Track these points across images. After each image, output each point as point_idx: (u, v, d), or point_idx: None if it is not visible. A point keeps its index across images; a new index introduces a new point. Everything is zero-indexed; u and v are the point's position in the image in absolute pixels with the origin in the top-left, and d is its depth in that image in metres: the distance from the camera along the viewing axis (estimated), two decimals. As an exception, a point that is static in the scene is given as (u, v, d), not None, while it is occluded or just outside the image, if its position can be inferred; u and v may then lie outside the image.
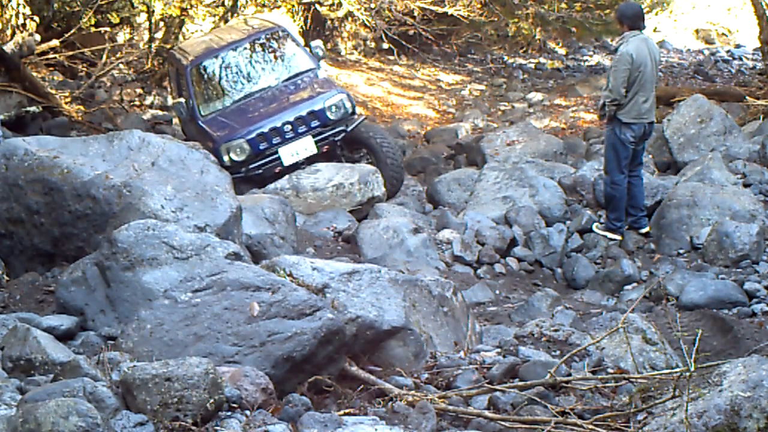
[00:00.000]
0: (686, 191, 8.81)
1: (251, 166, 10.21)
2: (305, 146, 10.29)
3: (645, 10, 9.34)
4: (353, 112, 10.69)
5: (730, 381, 3.78)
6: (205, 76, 11.49)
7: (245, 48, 11.63)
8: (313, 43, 11.71)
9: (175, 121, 14.36)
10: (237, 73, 11.51)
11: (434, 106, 18.08)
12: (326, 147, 10.35)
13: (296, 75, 11.32)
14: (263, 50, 11.65)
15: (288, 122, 10.34)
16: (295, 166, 10.20)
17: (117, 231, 5.13)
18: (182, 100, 11.23)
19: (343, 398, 4.22)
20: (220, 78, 11.51)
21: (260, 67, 11.53)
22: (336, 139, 10.41)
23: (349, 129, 10.52)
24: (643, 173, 8.96)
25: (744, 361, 3.93)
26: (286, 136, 10.29)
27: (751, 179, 9.50)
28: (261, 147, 10.26)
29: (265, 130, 10.30)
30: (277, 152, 10.25)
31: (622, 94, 8.36)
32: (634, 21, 8.51)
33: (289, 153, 10.25)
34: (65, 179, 5.77)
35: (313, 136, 10.32)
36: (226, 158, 10.17)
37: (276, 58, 11.61)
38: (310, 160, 10.27)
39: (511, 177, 9.61)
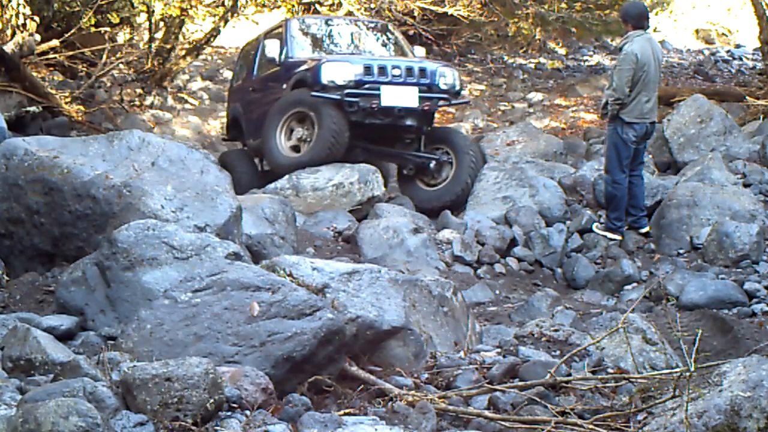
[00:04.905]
0: (686, 191, 8.81)
1: (348, 92, 9.91)
2: (408, 95, 10.04)
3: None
4: (459, 93, 10.64)
5: (730, 381, 3.78)
6: (308, 30, 11.49)
7: (354, 23, 11.91)
8: (415, 49, 11.79)
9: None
10: (343, 36, 11.57)
11: (434, 106, 18.04)
12: (427, 105, 10.12)
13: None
14: (372, 32, 11.85)
15: (396, 66, 10.19)
16: (391, 111, 10.02)
17: (117, 231, 5.13)
18: (275, 39, 11.07)
19: (343, 398, 4.22)
20: (324, 36, 11.53)
21: (369, 40, 11.65)
22: (440, 104, 10.32)
23: (453, 102, 10.54)
24: (644, 173, 8.96)
25: (744, 361, 3.93)
26: (392, 79, 10.08)
27: (751, 179, 9.50)
28: (364, 78, 10.00)
29: (372, 64, 10.15)
30: (378, 89, 9.98)
31: (626, 94, 8.38)
32: (639, 20, 8.53)
33: (391, 94, 9.98)
34: (65, 179, 5.77)
35: (419, 91, 10.14)
36: (324, 77, 9.90)
37: (384, 39, 11.77)
38: (406, 113, 10.11)
39: (511, 177, 9.61)
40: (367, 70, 10.03)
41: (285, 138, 10.16)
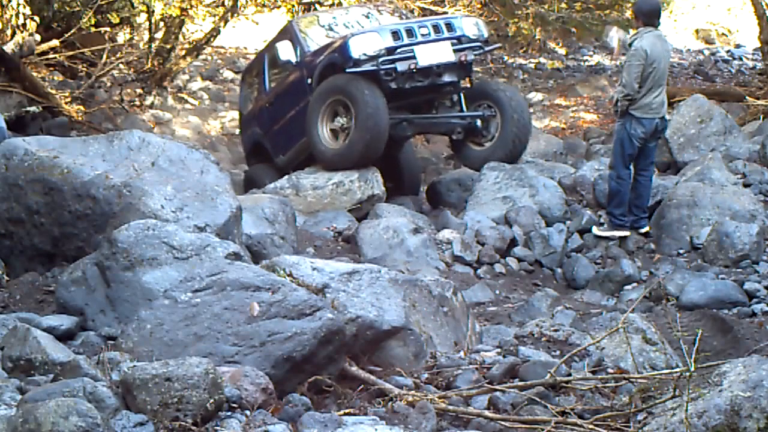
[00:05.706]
0: (686, 191, 8.81)
1: (382, 60, 9.67)
2: (443, 50, 9.85)
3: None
4: (487, 41, 10.48)
5: (730, 381, 3.78)
6: (314, 24, 11.38)
7: (352, 9, 11.87)
8: None
9: None
10: (350, 20, 11.41)
11: (434, 106, 18.04)
12: (463, 56, 9.93)
13: None
14: (373, 12, 11.73)
15: (423, 26, 10.02)
16: (429, 70, 9.83)
17: (117, 231, 5.13)
18: (286, 41, 10.85)
19: (343, 398, 4.22)
20: (332, 24, 11.36)
21: (374, 17, 11.50)
22: (475, 53, 10.16)
23: (486, 49, 10.45)
24: (653, 173, 8.93)
25: (744, 361, 3.94)
26: (422, 39, 9.88)
27: (751, 179, 9.49)
28: (394, 44, 9.79)
29: (399, 29, 9.93)
30: (412, 50, 9.77)
31: (635, 89, 8.38)
32: (650, 17, 8.55)
33: (426, 52, 9.76)
34: (65, 179, 5.77)
35: (451, 44, 9.97)
36: (355, 51, 9.64)
37: (388, 15, 11.65)
38: (445, 69, 9.96)
39: (511, 177, 9.61)
40: (395, 35, 9.81)
41: (328, 131, 9.86)
